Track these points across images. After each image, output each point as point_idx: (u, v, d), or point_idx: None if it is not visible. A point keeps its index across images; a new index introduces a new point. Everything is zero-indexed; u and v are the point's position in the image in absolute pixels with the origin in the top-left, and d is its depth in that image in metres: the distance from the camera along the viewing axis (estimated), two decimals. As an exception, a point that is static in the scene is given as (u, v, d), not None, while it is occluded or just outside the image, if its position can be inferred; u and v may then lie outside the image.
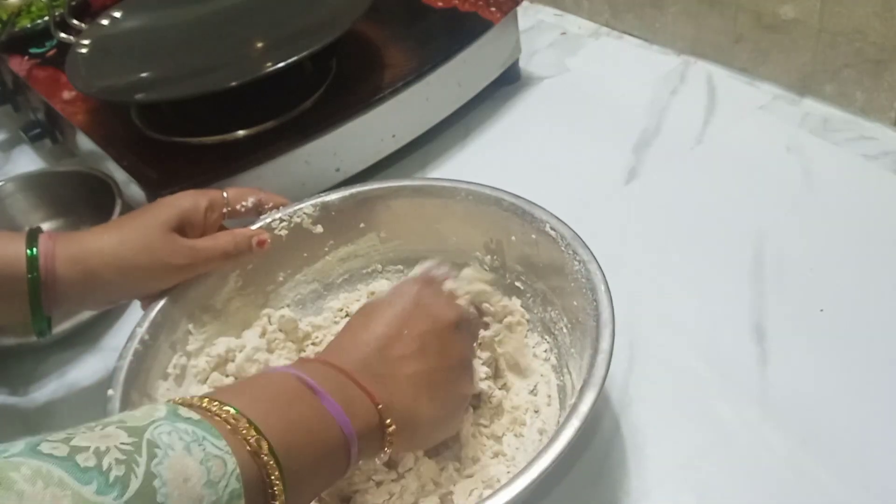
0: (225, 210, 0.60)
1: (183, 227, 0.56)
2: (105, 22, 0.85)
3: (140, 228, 0.55)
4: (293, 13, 0.81)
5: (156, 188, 0.70)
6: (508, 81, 0.91)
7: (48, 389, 0.66)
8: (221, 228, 0.60)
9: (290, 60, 0.70)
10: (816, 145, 0.77)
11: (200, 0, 0.88)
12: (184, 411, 0.35)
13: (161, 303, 0.56)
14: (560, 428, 0.43)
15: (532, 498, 0.51)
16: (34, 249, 0.52)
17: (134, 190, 0.74)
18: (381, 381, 0.45)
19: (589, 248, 0.54)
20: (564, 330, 0.56)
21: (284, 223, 0.62)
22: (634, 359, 0.59)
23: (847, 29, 0.75)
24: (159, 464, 0.31)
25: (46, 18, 0.91)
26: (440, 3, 0.89)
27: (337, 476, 0.43)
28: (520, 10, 0.87)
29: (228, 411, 0.37)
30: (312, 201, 0.63)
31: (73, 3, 0.88)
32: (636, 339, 0.60)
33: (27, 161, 0.95)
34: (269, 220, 0.62)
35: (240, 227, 0.60)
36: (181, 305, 0.57)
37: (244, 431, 0.36)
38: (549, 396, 0.55)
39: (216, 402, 0.37)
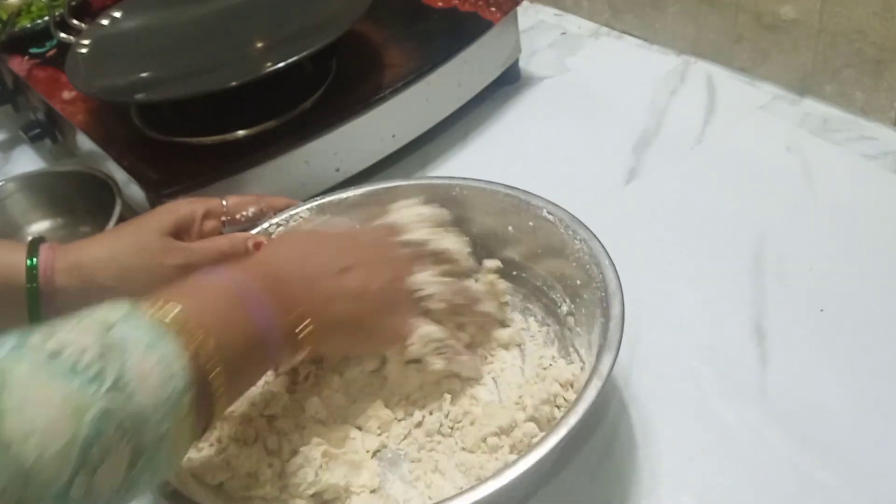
0: (224, 219, 0.60)
1: (179, 234, 0.57)
2: (105, 22, 0.85)
3: (135, 233, 0.55)
4: (293, 13, 0.81)
5: (156, 188, 0.70)
6: (508, 81, 0.91)
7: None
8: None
9: (290, 60, 0.70)
10: (816, 145, 0.76)
11: (200, 0, 0.88)
12: (139, 314, 0.40)
13: None
14: (584, 388, 0.44)
15: (539, 483, 0.51)
16: (34, 259, 0.52)
17: (134, 190, 0.74)
18: (299, 288, 0.49)
19: (588, 228, 0.55)
20: (566, 310, 0.57)
21: (281, 228, 0.62)
22: (634, 359, 0.59)
23: (847, 29, 0.75)
24: (125, 363, 0.36)
25: (46, 18, 0.91)
26: (440, 3, 0.89)
27: (263, 371, 0.49)
28: (520, 10, 0.87)
29: (177, 312, 0.41)
30: (308, 205, 0.63)
31: (73, 3, 0.88)
32: (636, 339, 0.60)
33: (27, 161, 0.95)
34: (266, 224, 0.62)
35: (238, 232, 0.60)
36: None
37: (192, 332, 0.40)
38: None
39: (167, 303, 0.41)
